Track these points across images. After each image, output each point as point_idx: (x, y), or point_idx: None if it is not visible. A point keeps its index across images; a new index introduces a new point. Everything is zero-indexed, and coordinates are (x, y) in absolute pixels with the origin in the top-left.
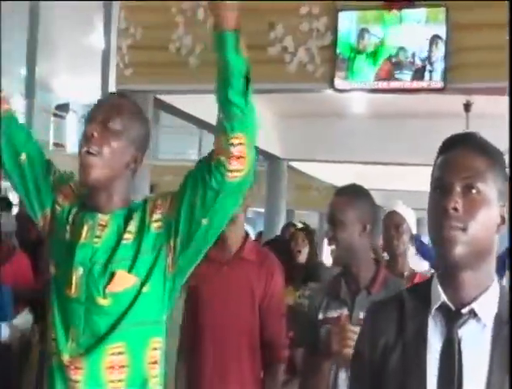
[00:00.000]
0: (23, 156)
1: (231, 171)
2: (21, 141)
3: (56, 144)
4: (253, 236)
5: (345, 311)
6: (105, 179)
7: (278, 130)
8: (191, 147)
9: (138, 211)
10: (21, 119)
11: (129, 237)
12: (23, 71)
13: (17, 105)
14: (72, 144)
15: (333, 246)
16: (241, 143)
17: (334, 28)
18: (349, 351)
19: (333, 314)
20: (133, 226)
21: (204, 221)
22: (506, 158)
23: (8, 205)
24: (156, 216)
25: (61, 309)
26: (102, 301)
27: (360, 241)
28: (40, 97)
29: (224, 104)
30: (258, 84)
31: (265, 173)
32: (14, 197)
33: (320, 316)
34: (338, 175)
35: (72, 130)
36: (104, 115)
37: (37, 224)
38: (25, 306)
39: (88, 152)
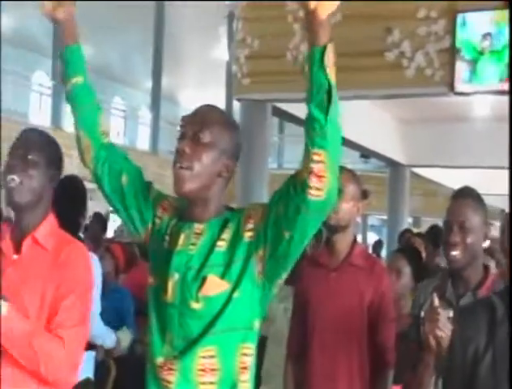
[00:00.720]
0: (124, 178)
1: (311, 188)
2: (120, 165)
3: None
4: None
5: (450, 312)
6: (197, 190)
7: (399, 135)
8: None
9: (233, 221)
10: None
11: (222, 245)
12: (149, 84)
13: (143, 118)
14: None
15: (456, 252)
16: (321, 161)
17: (453, 31)
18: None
19: None
20: (227, 234)
21: (286, 234)
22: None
23: None
24: (249, 226)
25: (158, 315)
26: (195, 305)
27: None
28: (166, 109)
29: (307, 117)
30: (376, 90)
31: (387, 179)
32: None
33: (422, 314)
34: (462, 180)
35: None
36: (194, 129)
37: (140, 239)
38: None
39: (181, 167)
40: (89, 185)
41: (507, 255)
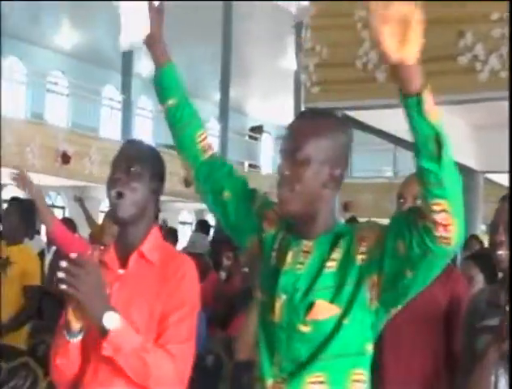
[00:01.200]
0: (226, 194)
1: (438, 237)
2: (223, 179)
3: (250, 165)
4: None
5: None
6: (301, 210)
7: (472, 141)
8: (386, 164)
9: (344, 240)
10: (216, 142)
11: (332, 266)
12: (218, 96)
13: (212, 129)
14: (267, 165)
15: (502, 251)
16: (443, 210)
17: None
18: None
19: (491, 322)
20: (337, 254)
21: (409, 274)
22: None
23: (207, 227)
24: (362, 249)
25: (266, 334)
26: (303, 329)
27: None
28: (234, 120)
29: (418, 168)
30: (449, 96)
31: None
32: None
33: (478, 324)
34: None
35: (266, 152)
36: (290, 147)
37: (248, 253)
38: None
39: (282, 189)
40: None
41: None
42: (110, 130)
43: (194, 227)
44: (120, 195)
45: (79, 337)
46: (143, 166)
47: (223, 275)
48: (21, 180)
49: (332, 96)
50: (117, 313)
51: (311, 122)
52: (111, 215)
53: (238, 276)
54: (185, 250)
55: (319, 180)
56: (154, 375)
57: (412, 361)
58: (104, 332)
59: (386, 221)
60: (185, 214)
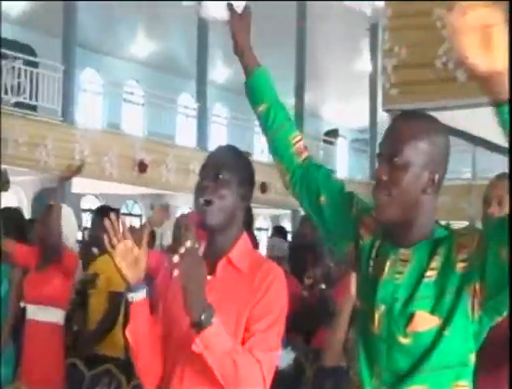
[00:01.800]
0: (323, 198)
1: None
2: (319, 183)
3: None
4: None
5: None
6: (398, 215)
7: None
8: (464, 166)
9: (442, 247)
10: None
11: (431, 275)
12: (292, 101)
13: None
14: (342, 169)
15: None
16: None
17: None
18: None
19: None
20: (436, 262)
21: None
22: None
23: (284, 233)
24: (462, 256)
25: (365, 345)
26: (403, 340)
27: None
28: (309, 124)
29: None
30: None
31: None
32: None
33: None
34: None
35: (342, 155)
36: (389, 150)
37: (345, 258)
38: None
39: (379, 194)
40: None
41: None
42: (186, 137)
43: (270, 233)
44: (208, 203)
45: (141, 293)
46: (231, 173)
47: (307, 281)
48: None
49: (411, 97)
50: (213, 311)
51: (410, 125)
52: (200, 221)
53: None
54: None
55: (418, 185)
56: (242, 378)
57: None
58: (199, 327)
59: (464, 224)
60: (261, 220)
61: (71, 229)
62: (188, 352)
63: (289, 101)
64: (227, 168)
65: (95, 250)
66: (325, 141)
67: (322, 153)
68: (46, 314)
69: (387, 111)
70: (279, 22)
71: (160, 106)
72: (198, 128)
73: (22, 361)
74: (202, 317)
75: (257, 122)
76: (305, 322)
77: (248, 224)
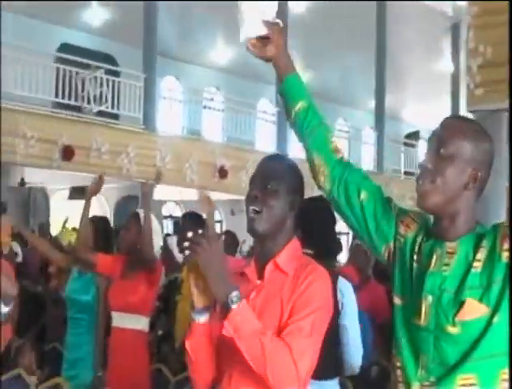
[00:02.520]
0: (363, 195)
1: None
2: (357, 182)
3: (406, 172)
4: None
5: None
6: (441, 205)
7: None
8: None
9: (487, 239)
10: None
11: (478, 266)
12: (372, 104)
13: (367, 137)
14: None
15: None
16: None
17: None
18: None
19: None
20: (482, 254)
21: None
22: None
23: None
24: (507, 246)
25: (409, 338)
26: (451, 329)
27: None
28: (390, 127)
29: None
30: None
31: None
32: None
33: None
34: None
35: (423, 158)
36: (436, 142)
37: (380, 257)
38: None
39: (424, 183)
40: None
41: None
42: (266, 142)
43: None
44: (257, 212)
45: (204, 317)
46: (280, 182)
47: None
48: (205, 200)
49: (497, 97)
50: (240, 293)
51: (458, 123)
52: (248, 228)
53: None
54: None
55: (461, 179)
56: (269, 360)
57: None
58: (226, 309)
59: None
60: (341, 223)
61: (156, 236)
62: (235, 351)
63: (370, 104)
64: (275, 178)
65: (179, 257)
66: (406, 144)
67: (403, 156)
68: (131, 322)
69: (472, 112)
70: (358, 23)
71: (239, 112)
72: (277, 133)
73: (107, 368)
74: (228, 298)
75: (337, 126)
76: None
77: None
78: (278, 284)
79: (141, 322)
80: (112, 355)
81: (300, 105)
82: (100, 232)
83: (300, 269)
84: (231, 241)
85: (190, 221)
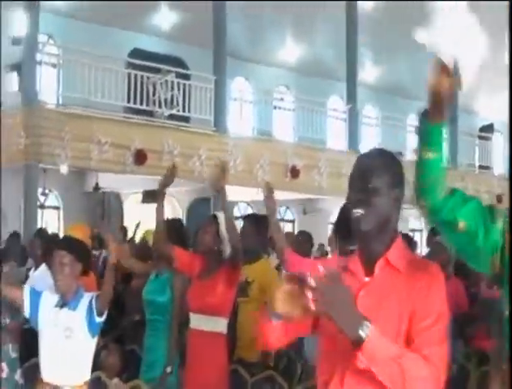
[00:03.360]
0: (461, 225)
1: None
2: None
3: (481, 166)
4: None
5: None
6: None
7: None
8: None
9: None
10: (445, 145)
11: None
12: None
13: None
14: (498, 165)
15: None
16: None
17: None
18: None
19: None
20: None
21: None
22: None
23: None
24: None
25: None
26: None
27: None
28: (464, 120)
29: None
30: None
31: None
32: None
33: None
34: None
35: (498, 151)
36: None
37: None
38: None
39: None
40: None
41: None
42: (337, 141)
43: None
44: (361, 214)
45: (280, 320)
46: (381, 179)
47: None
48: (270, 197)
49: None
50: (369, 322)
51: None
52: (354, 228)
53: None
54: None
55: None
56: (410, 380)
57: None
58: (358, 343)
59: None
60: (412, 221)
61: None
62: (349, 361)
63: None
64: (376, 175)
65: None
66: (480, 137)
67: (477, 150)
68: (209, 324)
69: None
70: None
71: (310, 111)
72: (348, 130)
73: (185, 370)
74: (360, 332)
75: (409, 121)
76: (465, 324)
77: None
78: (390, 281)
79: (219, 324)
80: (189, 357)
81: (433, 154)
82: (174, 233)
83: (412, 266)
84: (306, 241)
85: (251, 223)
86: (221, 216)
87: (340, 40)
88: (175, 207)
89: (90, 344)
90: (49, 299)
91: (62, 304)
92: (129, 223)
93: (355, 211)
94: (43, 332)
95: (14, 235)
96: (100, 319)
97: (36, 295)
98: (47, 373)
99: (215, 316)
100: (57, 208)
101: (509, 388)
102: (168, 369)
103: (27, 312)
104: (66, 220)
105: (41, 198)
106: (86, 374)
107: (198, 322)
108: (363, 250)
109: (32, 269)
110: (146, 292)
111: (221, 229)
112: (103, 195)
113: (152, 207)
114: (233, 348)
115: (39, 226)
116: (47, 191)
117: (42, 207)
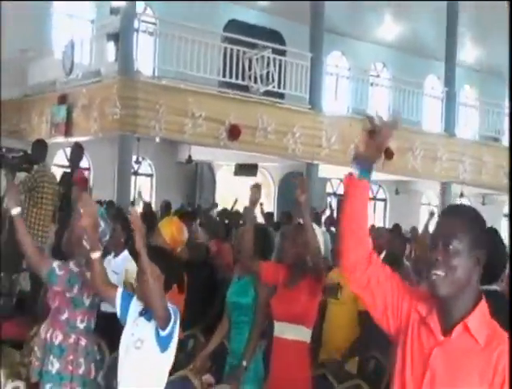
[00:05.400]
0: None
1: None
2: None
3: None
4: None
5: None
6: None
7: None
8: None
9: None
10: None
11: None
12: None
13: None
14: None
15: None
16: None
17: None
18: None
19: None
20: None
21: None
22: None
23: None
24: None
25: None
26: None
27: None
28: None
29: None
30: None
31: None
32: None
33: None
34: None
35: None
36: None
37: None
38: None
39: None
40: None
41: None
42: (433, 123)
43: None
44: (439, 276)
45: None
46: (462, 240)
47: None
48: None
49: None
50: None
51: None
52: (432, 290)
53: None
54: None
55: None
56: None
57: None
58: None
59: None
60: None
61: (320, 242)
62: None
63: None
64: (456, 237)
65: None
66: None
67: None
68: (293, 332)
69: None
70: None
71: (406, 91)
72: (445, 112)
73: (269, 378)
74: None
75: (507, 105)
76: None
77: None
78: (467, 350)
79: (303, 333)
80: (273, 365)
81: None
82: (260, 242)
83: (492, 339)
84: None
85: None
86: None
87: (440, 19)
88: (268, 181)
89: (159, 358)
90: (137, 304)
91: (142, 312)
92: (221, 193)
93: (433, 272)
94: (123, 338)
95: (110, 203)
96: (163, 333)
97: (127, 297)
98: (119, 379)
99: (299, 325)
100: (149, 176)
101: (509, 388)
102: (244, 363)
103: (118, 313)
104: (158, 188)
105: (135, 166)
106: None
107: (281, 330)
108: (442, 308)
109: (112, 254)
110: (229, 295)
111: (307, 238)
112: (196, 166)
113: (244, 180)
114: (318, 350)
115: (132, 194)
116: (140, 159)
117: (136, 173)
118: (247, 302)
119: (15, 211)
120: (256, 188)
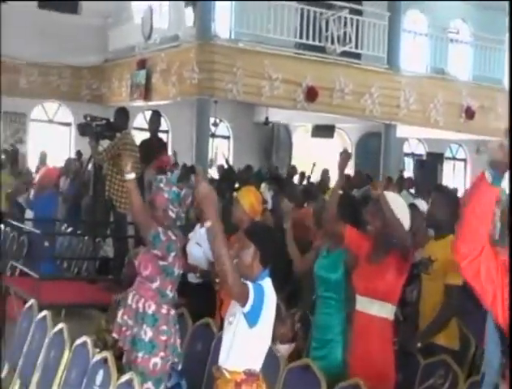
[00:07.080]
0: None
1: None
2: None
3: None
4: None
5: None
6: None
7: None
8: None
9: None
10: None
11: None
12: None
13: None
14: None
15: None
16: None
17: None
18: None
19: None
20: None
21: None
22: None
23: None
24: None
25: None
26: None
27: None
28: None
29: None
30: None
31: None
32: None
33: None
34: None
35: None
36: None
37: None
38: None
39: None
40: None
41: None
42: None
43: None
44: None
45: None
46: None
47: None
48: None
49: None
50: None
51: None
52: None
53: None
54: None
55: None
56: None
57: None
58: None
59: None
60: None
61: (405, 221)
62: None
63: None
64: None
65: (430, 232)
66: None
67: None
68: (376, 308)
69: None
70: None
71: (487, 48)
72: None
73: (351, 354)
74: None
75: None
76: None
77: None
78: None
79: (386, 310)
80: (355, 340)
81: None
82: (347, 210)
83: None
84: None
85: (442, 198)
86: (390, 197)
87: None
88: (345, 142)
89: (248, 333)
90: None
91: None
92: (297, 155)
93: None
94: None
95: (188, 168)
96: (244, 310)
97: None
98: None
99: (383, 301)
100: (227, 137)
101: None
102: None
103: None
104: (235, 150)
105: (212, 129)
106: (245, 364)
107: (363, 304)
108: None
109: (198, 225)
110: (318, 268)
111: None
112: (272, 127)
113: (322, 141)
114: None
115: (210, 156)
116: (218, 121)
117: (213, 135)
118: (336, 278)
119: (130, 176)
120: (345, 154)
